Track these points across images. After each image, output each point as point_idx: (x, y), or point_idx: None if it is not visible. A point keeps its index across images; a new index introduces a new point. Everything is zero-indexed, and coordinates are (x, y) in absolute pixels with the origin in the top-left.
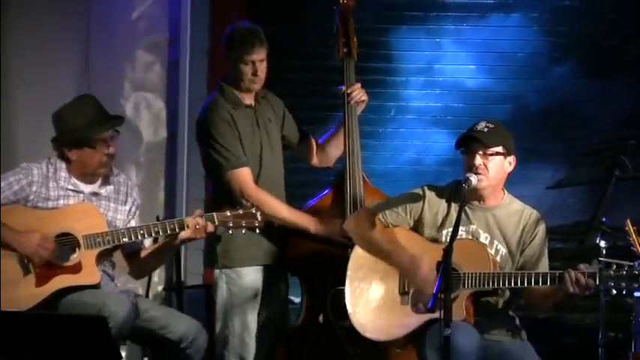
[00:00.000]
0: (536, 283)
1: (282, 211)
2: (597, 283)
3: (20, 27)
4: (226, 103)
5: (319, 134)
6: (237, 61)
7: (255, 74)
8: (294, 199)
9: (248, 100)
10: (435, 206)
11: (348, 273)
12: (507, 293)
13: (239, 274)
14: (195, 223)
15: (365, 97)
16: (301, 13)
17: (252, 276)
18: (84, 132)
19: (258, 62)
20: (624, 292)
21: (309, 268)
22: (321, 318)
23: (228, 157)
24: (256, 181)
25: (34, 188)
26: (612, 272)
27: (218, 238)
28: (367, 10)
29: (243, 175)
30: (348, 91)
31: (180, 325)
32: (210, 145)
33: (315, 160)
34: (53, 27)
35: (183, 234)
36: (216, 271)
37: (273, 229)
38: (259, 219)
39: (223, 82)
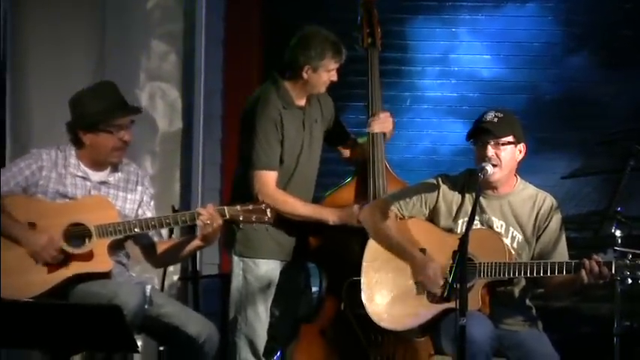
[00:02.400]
0: (552, 272)
1: (299, 208)
2: (613, 272)
3: (35, 17)
4: (278, 100)
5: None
6: (318, 67)
7: (330, 81)
8: (321, 189)
9: (300, 100)
10: (449, 196)
11: (364, 263)
12: (523, 282)
13: (257, 263)
14: (207, 214)
15: (384, 128)
16: (319, 3)
17: (269, 267)
18: (104, 115)
19: (336, 70)
20: None
21: (326, 258)
22: (342, 306)
23: (260, 155)
24: (289, 180)
25: (43, 173)
26: (628, 262)
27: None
28: (383, 0)
29: (267, 178)
30: (370, 122)
31: (193, 326)
32: (250, 138)
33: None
34: (68, 17)
35: (200, 235)
36: (235, 257)
37: (293, 227)
38: (269, 215)
39: (280, 75)
